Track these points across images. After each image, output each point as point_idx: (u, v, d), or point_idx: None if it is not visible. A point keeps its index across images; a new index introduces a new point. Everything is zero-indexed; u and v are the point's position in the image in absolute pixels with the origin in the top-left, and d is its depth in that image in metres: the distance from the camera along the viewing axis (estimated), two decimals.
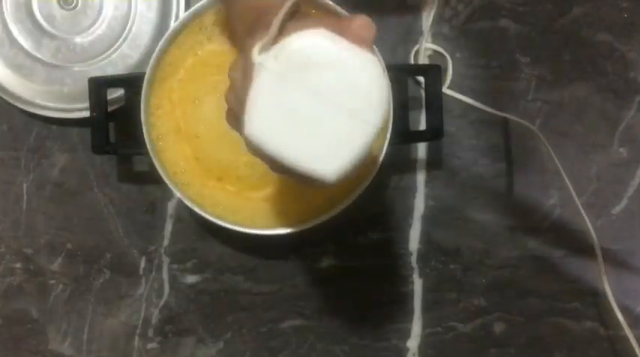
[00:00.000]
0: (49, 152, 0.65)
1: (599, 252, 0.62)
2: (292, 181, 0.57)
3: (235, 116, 0.38)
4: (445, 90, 0.63)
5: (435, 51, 0.64)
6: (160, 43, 0.56)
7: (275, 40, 0.33)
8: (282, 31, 0.34)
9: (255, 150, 0.33)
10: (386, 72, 0.33)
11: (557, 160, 0.61)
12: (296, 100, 0.32)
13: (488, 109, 0.62)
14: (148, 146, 0.56)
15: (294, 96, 0.32)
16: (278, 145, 0.32)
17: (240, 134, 0.34)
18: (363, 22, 0.33)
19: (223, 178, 0.58)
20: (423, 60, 0.64)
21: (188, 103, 0.57)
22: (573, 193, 0.63)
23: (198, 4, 0.56)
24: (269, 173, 0.58)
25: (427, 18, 0.63)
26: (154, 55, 0.56)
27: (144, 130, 0.56)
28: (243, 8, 0.44)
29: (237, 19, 0.45)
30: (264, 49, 0.33)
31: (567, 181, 0.61)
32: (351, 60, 0.32)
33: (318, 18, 0.41)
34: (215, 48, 0.57)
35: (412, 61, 0.64)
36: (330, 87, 0.32)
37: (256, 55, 0.32)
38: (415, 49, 0.64)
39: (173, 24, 0.57)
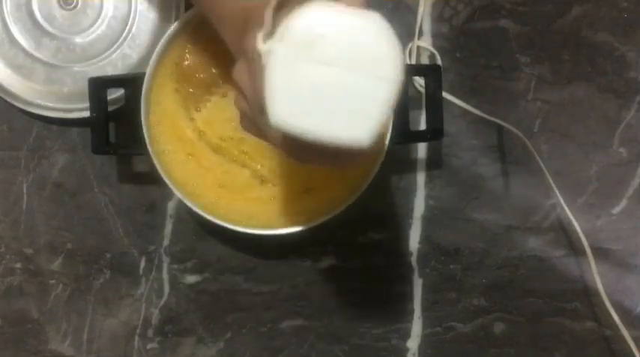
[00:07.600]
0: (49, 152, 0.65)
1: (589, 252, 0.62)
2: (293, 183, 0.58)
3: (250, 120, 0.37)
4: None
5: (431, 52, 0.64)
6: (160, 43, 0.56)
7: (274, 26, 0.33)
8: (277, 19, 0.34)
9: (286, 137, 0.33)
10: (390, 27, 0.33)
11: (541, 162, 0.61)
12: (312, 75, 0.32)
13: (479, 113, 0.62)
14: (148, 146, 0.56)
15: (309, 72, 0.32)
16: (307, 125, 0.32)
17: (262, 130, 0.34)
18: None
19: (222, 179, 0.58)
20: (419, 59, 0.63)
21: None
22: (557, 193, 0.63)
23: None
24: (269, 174, 0.58)
25: (422, 16, 0.63)
26: (154, 55, 0.56)
27: (144, 131, 0.56)
28: (229, 12, 0.43)
29: (223, 24, 0.45)
30: (267, 37, 0.32)
31: (551, 180, 0.61)
32: (354, 22, 0.32)
33: None
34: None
35: (408, 61, 0.64)
36: (341, 54, 0.32)
37: (261, 44, 0.32)
38: (409, 47, 0.63)
39: (173, 24, 0.57)
